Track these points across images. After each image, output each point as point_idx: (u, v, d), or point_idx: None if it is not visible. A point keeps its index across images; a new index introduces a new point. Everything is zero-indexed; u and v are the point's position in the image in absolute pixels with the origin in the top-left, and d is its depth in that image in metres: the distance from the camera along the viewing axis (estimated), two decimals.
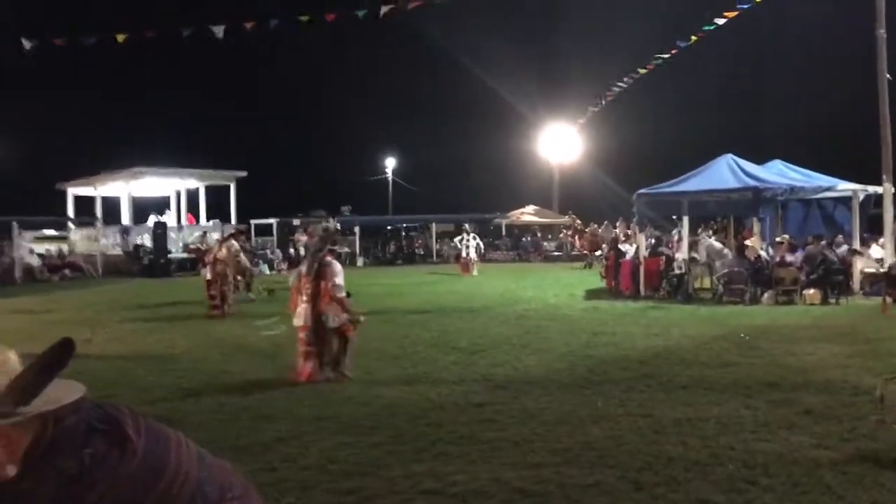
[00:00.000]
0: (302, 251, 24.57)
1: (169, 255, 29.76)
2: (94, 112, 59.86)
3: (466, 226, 29.57)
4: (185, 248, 31.63)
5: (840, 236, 18.18)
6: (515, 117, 49.13)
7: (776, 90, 47.59)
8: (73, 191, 36.63)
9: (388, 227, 43.17)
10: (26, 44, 17.01)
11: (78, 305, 17.99)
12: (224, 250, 16.14)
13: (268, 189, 46.11)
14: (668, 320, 13.53)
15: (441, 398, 7.84)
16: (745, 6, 18.86)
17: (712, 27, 20.03)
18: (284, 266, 30.61)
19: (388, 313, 15.14)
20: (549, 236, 40.59)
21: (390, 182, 63.67)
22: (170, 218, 34.61)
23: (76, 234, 34.58)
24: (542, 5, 58.43)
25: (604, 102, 31.88)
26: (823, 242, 17.10)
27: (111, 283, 25.55)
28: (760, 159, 19.05)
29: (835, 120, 44.85)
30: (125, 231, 32.53)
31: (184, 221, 35.69)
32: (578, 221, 40.80)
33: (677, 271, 17.65)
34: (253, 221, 35.69)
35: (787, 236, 18.32)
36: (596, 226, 38.68)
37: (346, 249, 31.07)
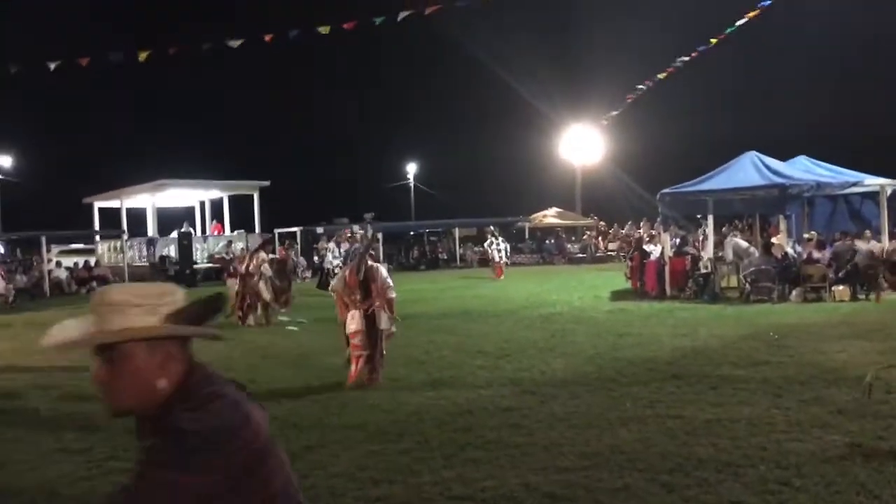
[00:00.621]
0: (330, 259, 24.44)
1: (194, 266, 29.99)
2: (118, 126, 60.61)
3: (493, 229, 29.54)
4: (210, 258, 31.88)
5: (868, 231, 17.93)
6: (536, 119, 49.00)
7: (800, 85, 47.08)
8: (99, 204, 37.08)
9: (411, 233, 43.19)
10: (51, 65, 17.23)
11: None
12: (254, 263, 16.04)
13: (291, 198, 46.37)
14: (695, 320, 13.41)
15: (468, 403, 7.81)
16: (767, 2, 18.65)
17: (733, 29, 19.83)
18: (308, 275, 30.73)
19: (413, 318, 15.11)
20: (573, 238, 40.41)
21: (412, 188, 63.80)
22: (195, 228, 34.93)
23: (103, 247, 34.99)
24: (563, 8, 58.31)
25: (624, 106, 31.70)
26: (850, 239, 16.89)
27: None
28: (785, 156, 18.84)
29: (861, 114, 44.34)
30: (151, 242, 32.85)
31: (209, 231, 35.98)
32: (602, 223, 40.62)
33: (703, 271, 17.48)
34: (277, 230, 35.88)
35: (814, 233, 18.12)
36: (617, 226, 38.51)
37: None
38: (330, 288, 9.85)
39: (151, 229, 34.48)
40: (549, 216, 41.71)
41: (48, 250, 31.14)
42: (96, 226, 36.87)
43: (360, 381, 8.91)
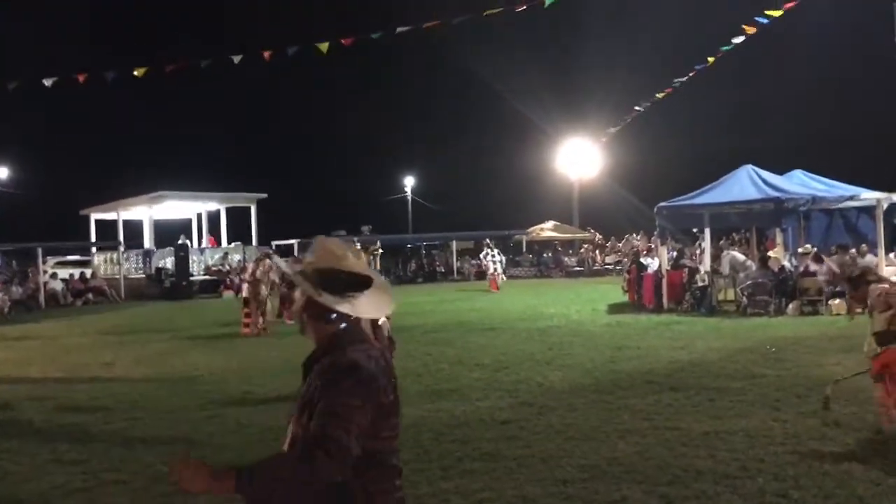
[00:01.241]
0: None
1: (191, 278, 29.94)
2: (116, 139, 60.66)
3: (489, 241, 29.60)
4: (207, 270, 31.84)
5: (864, 245, 17.96)
6: (534, 133, 49.19)
7: (796, 100, 47.30)
8: (96, 216, 37.04)
9: (409, 246, 43.19)
10: (47, 82, 17.24)
11: (101, 329, 18.12)
12: (261, 269, 16.18)
13: (288, 211, 46.36)
14: (693, 333, 13.41)
15: (466, 415, 7.79)
16: (764, 21, 18.71)
17: (730, 48, 19.87)
18: None
19: (410, 331, 15.11)
20: (570, 251, 40.45)
21: (409, 200, 63.84)
22: (191, 240, 34.91)
23: (99, 259, 34.92)
24: (560, 24, 58.61)
25: (622, 124, 31.75)
26: (853, 251, 16.91)
27: (133, 307, 25.74)
28: (781, 170, 18.90)
29: (856, 128, 44.54)
30: (147, 254, 32.79)
31: (205, 244, 35.94)
32: (599, 236, 40.66)
33: (700, 284, 17.49)
34: (274, 242, 35.86)
35: (809, 246, 18.15)
36: (614, 239, 38.54)
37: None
38: None
39: (148, 241, 34.43)
40: (547, 229, 41.76)
41: (44, 262, 31.05)
42: (93, 237, 36.81)
43: None
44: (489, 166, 59.27)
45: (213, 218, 37.44)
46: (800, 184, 18.03)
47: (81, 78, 17.51)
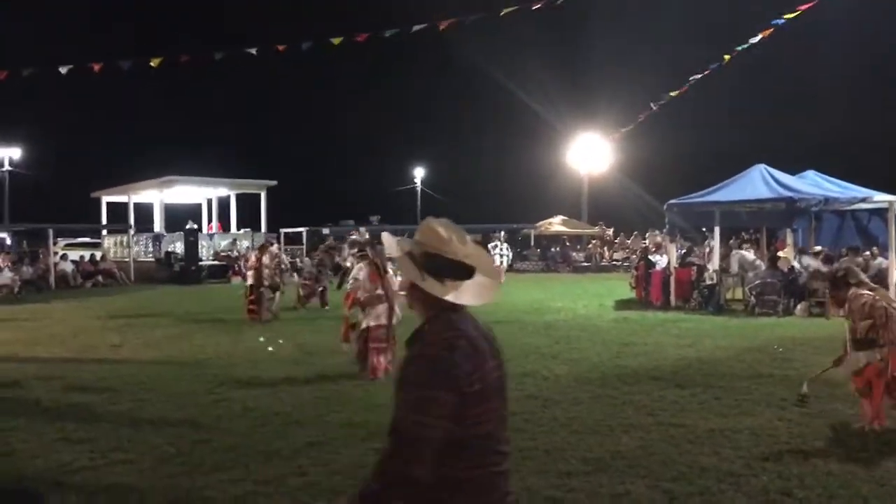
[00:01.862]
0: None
1: (200, 263, 30.04)
2: (128, 123, 60.85)
3: (502, 234, 29.66)
4: (216, 255, 31.93)
5: (875, 248, 17.88)
6: (544, 128, 49.06)
7: (811, 100, 47.06)
8: (107, 199, 37.19)
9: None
10: (62, 70, 17.26)
11: (110, 311, 18.21)
12: (267, 257, 16.22)
13: (298, 199, 46.44)
14: (700, 331, 13.38)
15: None
16: (780, 21, 18.56)
17: (746, 46, 19.72)
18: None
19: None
20: (578, 247, 40.38)
21: (419, 192, 63.84)
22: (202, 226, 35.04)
23: (109, 241, 35.07)
24: (573, 21, 58.37)
25: (634, 123, 31.54)
26: (867, 253, 16.83)
27: (142, 290, 25.84)
28: (794, 170, 18.81)
29: (871, 130, 44.27)
30: (157, 238, 32.91)
31: (214, 229, 36.04)
32: (609, 231, 40.57)
33: (709, 282, 17.44)
34: (283, 230, 35.94)
35: (818, 248, 18.08)
36: (623, 236, 38.45)
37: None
38: (349, 287, 9.99)
39: (158, 225, 34.56)
40: (555, 224, 41.67)
41: (55, 243, 31.20)
42: (104, 220, 36.96)
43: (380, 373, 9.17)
44: (499, 160, 59.29)
45: (223, 204, 37.55)
46: (812, 184, 17.93)
47: (97, 67, 17.53)
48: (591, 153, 45.73)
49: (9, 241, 38.08)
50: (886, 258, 16.76)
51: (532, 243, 41.68)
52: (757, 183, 17.55)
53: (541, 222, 41.90)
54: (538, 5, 17.33)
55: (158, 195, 34.47)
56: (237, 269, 29.46)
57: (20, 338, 13.61)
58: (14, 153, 47.21)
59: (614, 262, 35.79)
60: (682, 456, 5.97)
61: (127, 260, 31.53)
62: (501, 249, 27.81)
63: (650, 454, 6.03)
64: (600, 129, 43.52)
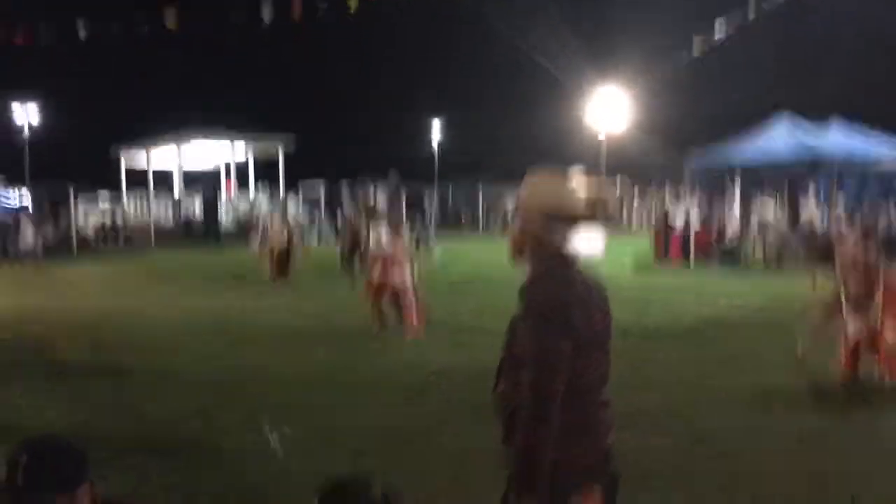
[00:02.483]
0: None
1: (219, 224, 30.19)
2: (145, 81, 60.82)
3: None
4: (235, 217, 32.05)
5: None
6: (561, 83, 48.46)
7: (839, 49, 46.02)
8: (127, 160, 37.27)
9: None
10: (81, 32, 17.22)
11: (131, 272, 18.39)
12: (277, 220, 16.30)
13: (315, 155, 46.34)
14: (719, 289, 13.34)
15: (492, 365, 7.82)
16: None
17: None
18: (333, 234, 30.96)
19: (431, 282, 15.19)
20: None
21: (436, 147, 63.52)
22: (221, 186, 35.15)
23: (129, 203, 35.26)
24: None
25: (656, 77, 31.07)
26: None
27: (163, 252, 26.05)
28: (819, 120, 18.45)
29: None
30: (177, 201, 33.07)
31: (233, 191, 36.12)
32: (628, 185, 40.24)
33: (729, 240, 17.34)
34: (301, 186, 35.93)
35: (841, 203, 17.89)
36: (642, 191, 38.17)
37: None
38: (373, 250, 10.07)
39: (177, 187, 34.69)
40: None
41: (76, 205, 31.45)
42: (123, 182, 37.13)
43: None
44: (518, 115, 58.61)
45: (242, 168, 37.51)
46: (839, 137, 17.63)
47: (116, 28, 17.48)
48: (610, 108, 45.19)
49: (29, 204, 38.44)
50: None
51: None
52: (780, 137, 17.31)
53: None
54: None
55: (177, 157, 34.49)
56: (256, 231, 29.62)
57: (45, 298, 13.80)
58: (33, 114, 47.32)
59: (633, 221, 35.61)
60: (704, 412, 5.99)
61: (147, 222, 31.73)
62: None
63: (672, 411, 6.05)
64: (620, 82, 42.94)
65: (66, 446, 2.06)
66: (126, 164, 37.31)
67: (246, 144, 36.07)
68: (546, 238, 2.48)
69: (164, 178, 36.68)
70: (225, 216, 31.86)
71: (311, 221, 31.79)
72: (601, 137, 43.90)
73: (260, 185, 37.00)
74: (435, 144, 62.76)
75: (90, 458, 2.10)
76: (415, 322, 9.49)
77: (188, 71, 63.26)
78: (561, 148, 49.49)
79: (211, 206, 29.76)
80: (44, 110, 47.94)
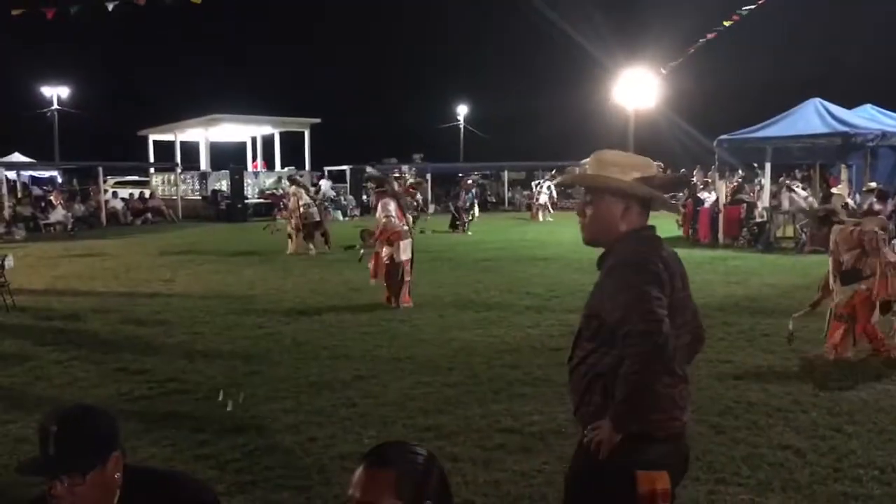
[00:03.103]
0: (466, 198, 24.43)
1: (245, 201, 30.37)
2: (174, 61, 61.11)
3: (553, 170, 29.71)
4: (261, 193, 32.21)
5: None
6: (590, 63, 47.91)
7: (871, 30, 45.08)
8: (154, 137, 37.55)
9: (460, 175, 42.99)
10: (109, 5, 17.29)
11: (160, 247, 18.59)
12: (293, 198, 16.57)
13: (341, 137, 46.38)
14: (748, 269, 13.22)
15: (516, 341, 7.87)
16: None
17: None
18: (357, 213, 31.07)
19: (459, 259, 15.21)
20: None
21: (462, 129, 63.26)
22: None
23: (157, 179, 35.57)
24: None
25: (685, 56, 30.55)
26: None
27: (190, 227, 26.29)
28: (850, 103, 18.18)
29: None
30: (203, 176, 33.28)
31: (259, 168, 36.27)
32: (660, 164, 39.90)
33: (759, 220, 17.14)
34: (326, 168, 36.04)
35: (873, 184, 17.56)
36: (670, 172, 37.81)
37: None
38: (382, 223, 10.09)
39: (204, 163, 34.90)
40: None
41: (104, 181, 31.78)
42: (151, 158, 37.43)
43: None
44: (544, 95, 58.15)
45: (268, 143, 37.65)
46: (869, 118, 17.36)
47: (142, 1, 17.51)
48: (638, 88, 44.67)
49: (59, 180, 38.89)
50: None
51: None
52: (811, 117, 17.05)
53: (586, 159, 41.30)
54: None
55: (203, 133, 34.68)
56: (282, 206, 29.78)
57: (76, 272, 14.00)
58: (62, 92, 47.76)
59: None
60: (730, 391, 5.96)
61: (174, 198, 32.01)
62: (543, 188, 27.65)
63: (699, 388, 5.99)
64: (648, 62, 42.39)
65: (96, 416, 2.08)
66: (154, 139, 37.60)
67: (272, 127, 36.19)
68: (625, 215, 2.48)
69: (191, 150, 36.90)
70: (251, 191, 32.03)
71: (337, 198, 31.91)
72: (630, 117, 43.52)
73: (285, 161, 37.13)
74: (461, 125, 62.56)
75: (123, 430, 2.12)
76: (407, 296, 9.95)
77: (217, 49, 63.43)
78: (587, 129, 49.16)
79: (237, 182, 29.91)
80: (73, 90, 48.44)
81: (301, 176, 21.01)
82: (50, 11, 15.94)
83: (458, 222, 22.87)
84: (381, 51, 70.99)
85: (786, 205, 17.18)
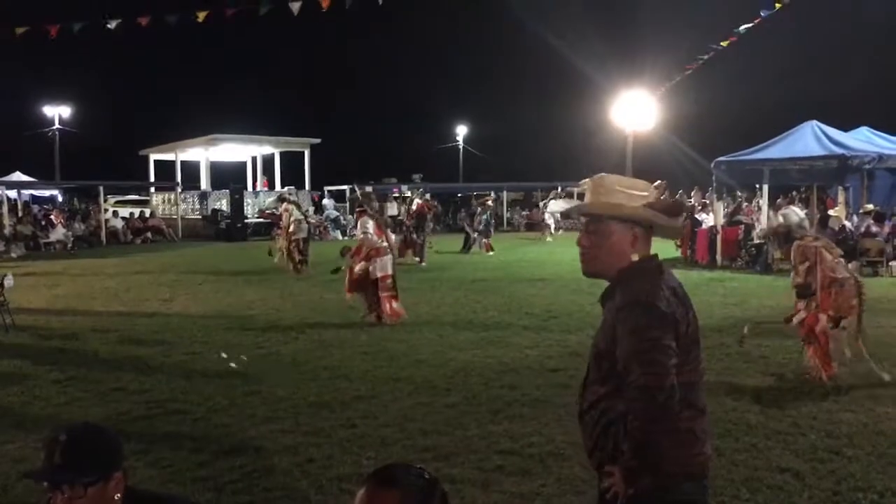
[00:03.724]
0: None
1: (245, 220, 30.44)
2: (175, 82, 61.41)
3: (558, 189, 30.03)
4: (261, 212, 32.27)
5: None
6: (588, 84, 48.14)
7: (866, 53, 45.43)
8: (155, 157, 37.71)
9: (458, 195, 43.11)
10: (111, 24, 17.42)
11: (159, 266, 18.60)
12: (285, 215, 16.76)
13: (341, 157, 46.58)
14: (746, 290, 13.24)
15: (514, 362, 7.86)
16: None
17: None
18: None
19: (458, 279, 15.23)
20: None
21: (461, 150, 63.50)
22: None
23: (157, 199, 35.66)
24: None
25: (682, 76, 30.74)
26: None
27: (190, 246, 26.31)
28: (846, 126, 18.28)
29: None
30: (203, 196, 33.36)
31: (259, 186, 36.36)
32: (657, 184, 40.04)
33: (756, 241, 17.17)
34: (326, 188, 36.17)
35: (870, 206, 17.63)
36: (669, 194, 37.93)
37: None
38: (358, 240, 10.62)
39: (205, 183, 35.01)
40: None
41: (105, 200, 31.86)
42: (151, 177, 37.55)
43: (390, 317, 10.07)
44: (542, 117, 58.54)
45: (268, 162, 37.82)
46: (866, 141, 17.43)
47: (144, 21, 17.64)
48: (636, 109, 44.88)
49: (60, 199, 38.98)
50: None
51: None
52: (808, 140, 17.12)
53: (584, 180, 41.36)
54: None
55: (204, 153, 34.83)
56: (280, 225, 29.82)
57: (76, 291, 14.01)
58: (64, 111, 47.97)
59: None
60: (729, 413, 5.95)
61: (175, 217, 32.07)
62: (549, 208, 27.85)
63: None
64: (646, 84, 42.62)
65: (105, 434, 2.12)
66: (155, 158, 37.74)
67: (272, 147, 36.36)
68: (634, 244, 2.41)
69: (192, 169, 37.04)
70: (251, 210, 32.10)
71: (337, 217, 31.94)
72: (628, 138, 43.66)
73: (285, 181, 37.24)
74: (461, 146, 62.78)
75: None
76: (395, 309, 10.18)
77: (218, 69, 63.73)
78: (586, 150, 49.33)
79: (237, 202, 29.98)
80: (75, 109, 48.62)
81: (290, 194, 20.98)
82: (53, 28, 16.06)
83: (470, 243, 22.46)
84: (382, 71, 71.41)
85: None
